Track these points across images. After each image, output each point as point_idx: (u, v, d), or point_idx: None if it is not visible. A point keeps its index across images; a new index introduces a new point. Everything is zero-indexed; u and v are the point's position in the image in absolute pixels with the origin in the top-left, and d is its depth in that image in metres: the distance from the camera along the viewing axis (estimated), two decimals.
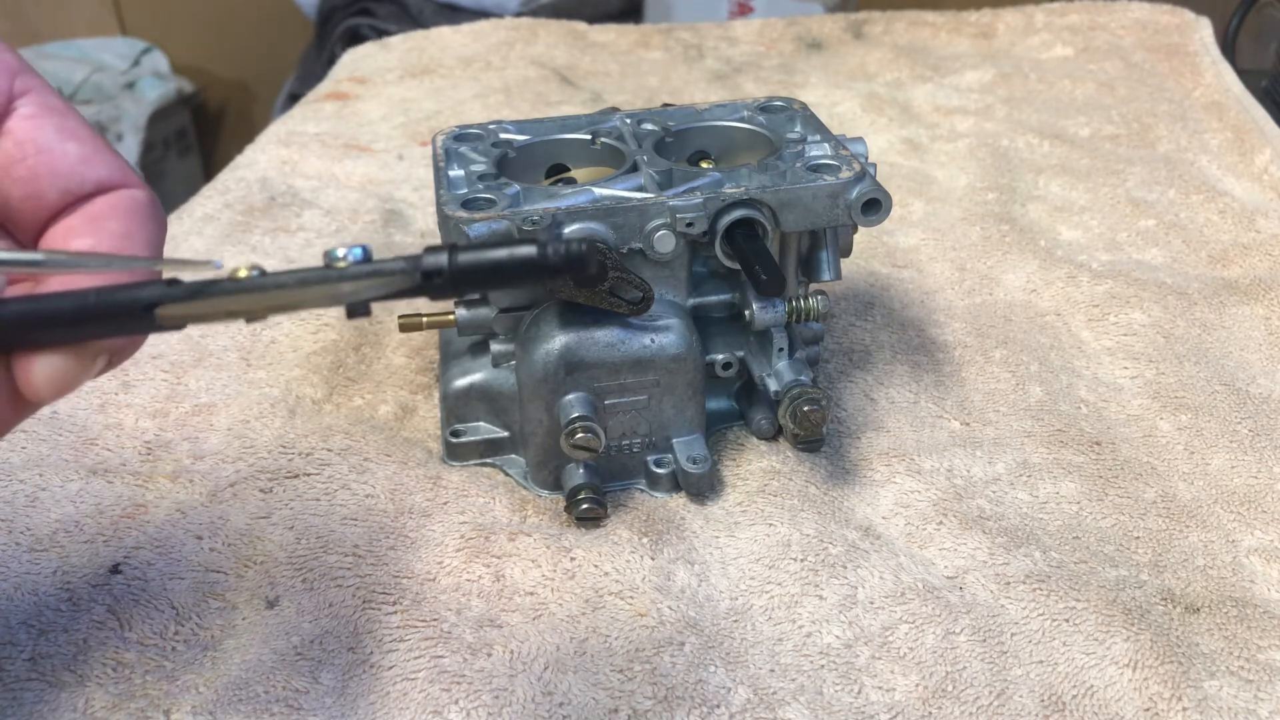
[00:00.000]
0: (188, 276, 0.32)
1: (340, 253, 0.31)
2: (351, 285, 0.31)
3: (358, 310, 0.32)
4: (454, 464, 0.59)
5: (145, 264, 0.33)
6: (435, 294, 0.31)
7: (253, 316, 0.31)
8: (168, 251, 0.37)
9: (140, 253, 0.34)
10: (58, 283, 0.33)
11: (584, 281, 0.52)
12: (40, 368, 0.32)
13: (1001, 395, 0.65)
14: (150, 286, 0.31)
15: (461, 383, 0.58)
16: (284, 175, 0.94)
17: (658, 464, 0.57)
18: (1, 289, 0.31)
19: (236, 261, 0.80)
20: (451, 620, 0.49)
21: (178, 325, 0.31)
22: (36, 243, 0.35)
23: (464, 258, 0.30)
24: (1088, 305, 0.73)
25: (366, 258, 0.31)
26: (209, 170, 2.60)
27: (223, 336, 0.70)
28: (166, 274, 0.33)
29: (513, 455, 0.59)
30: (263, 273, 0.31)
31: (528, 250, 0.30)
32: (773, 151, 0.59)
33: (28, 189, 0.35)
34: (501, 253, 0.30)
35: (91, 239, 0.34)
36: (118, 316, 0.31)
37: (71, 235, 0.34)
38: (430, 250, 0.30)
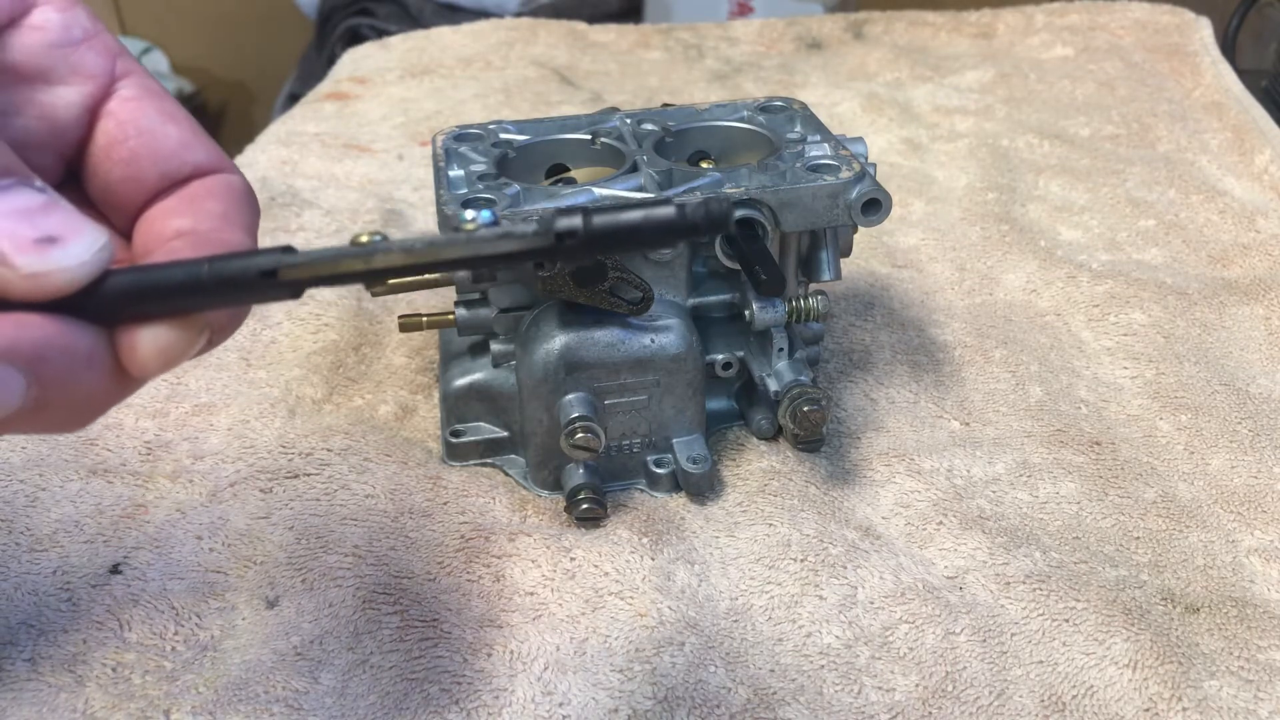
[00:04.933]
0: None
1: (469, 214, 0.30)
2: (484, 247, 0.29)
3: (484, 275, 0.30)
4: (454, 464, 0.59)
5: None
6: (568, 257, 0.30)
7: (373, 280, 0.30)
8: None
9: (238, 234, 0.34)
10: (162, 252, 0.33)
11: (584, 282, 0.52)
12: (146, 341, 0.30)
13: (1001, 395, 0.65)
14: (267, 253, 0.30)
15: (461, 383, 0.58)
16: (284, 175, 0.94)
17: (658, 464, 0.57)
18: (110, 260, 0.30)
19: None
20: (451, 620, 0.49)
21: (296, 291, 0.30)
22: (132, 224, 0.35)
23: (599, 220, 0.29)
24: (1088, 305, 0.73)
25: (495, 221, 0.30)
26: None
27: None
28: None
29: (513, 455, 0.59)
30: (385, 238, 0.30)
31: (665, 211, 0.29)
32: (773, 151, 0.59)
33: (128, 170, 0.35)
34: (638, 214, 0.29)
35: (191, 219, 0.34)
36: (233, 285, 0.30)
37: (171, 216, 0.34)
38: (563, 212, 0.29)
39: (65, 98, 0.35)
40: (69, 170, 0.36)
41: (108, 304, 0.30)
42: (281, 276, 0.30)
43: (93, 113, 0.35)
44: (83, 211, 0.31)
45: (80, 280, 0.29)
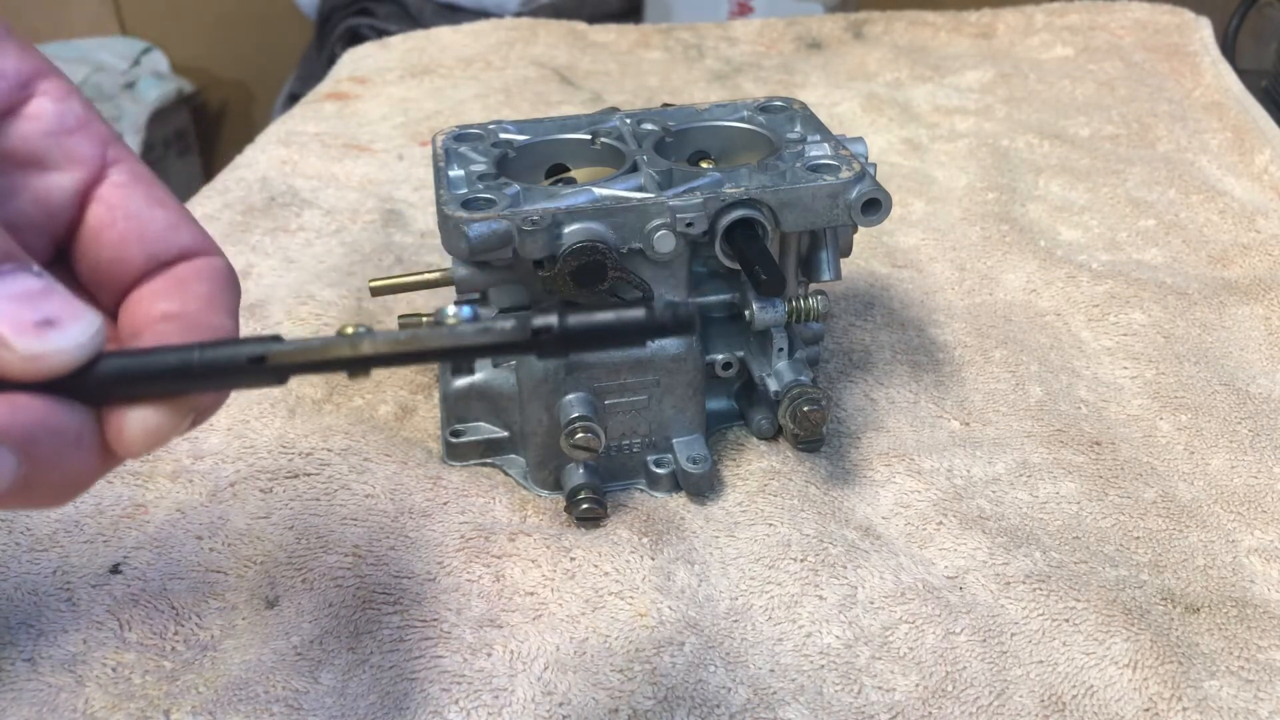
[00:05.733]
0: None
1: (451, 310, 0.32)
2: (464, 339, 0.31)
3: (462, 368, 0.31)
4: (454, 464, 0.59)
5: None
6: (542, 352, 0.32)
7: (356, 369, 0.31)
8: None
9: (222, 317, 0.36)
10: (150, 334, 0.34)
11: (584, 282, 0.52)
12: (134, 422, 0.32)
13: (1001, 395, 0.65)
14: (256, 342, 0.32)
15: (461, 383, 0.58)
16: (284, 175, 0.94)
17: (658, 464, 0.57)
18: (104, 343, 0.31)
19: (235, 263, 0.80)
20: (451, 620, 0.49)
21: (282, 378, 0.32)
22: (119, 304, 0.36)
23: (573, 320, 0.31)
24: (1088, 305, 0.73)
25: (475, 316, 0.32)
26: (209, 170, 2.60)
27: None
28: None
29: (513, 455, 0.59)
30: (369, 330, 0.31)
31: (635, 314, 0.31)
32: (773, 151, 0.59)
33: (116, 252, 0.36)
34: (609, 316, 0.31)
35: (178, 302, 0.35)
36: (222, 371, 0.32)
37: (158, 298, 0.35)
38: (540, 311, 0.32)
39: (58, 183, 0.36)
40: (59, 251, 0.37)
41: (99, 385, 0.31)
42: (270, 363, 0.31)
43: (84, 197, 0.36)
44: (72, 292, 0.32)
45: (76, 362, 0.30)
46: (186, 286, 0.36)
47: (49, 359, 0.30)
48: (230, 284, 0.37)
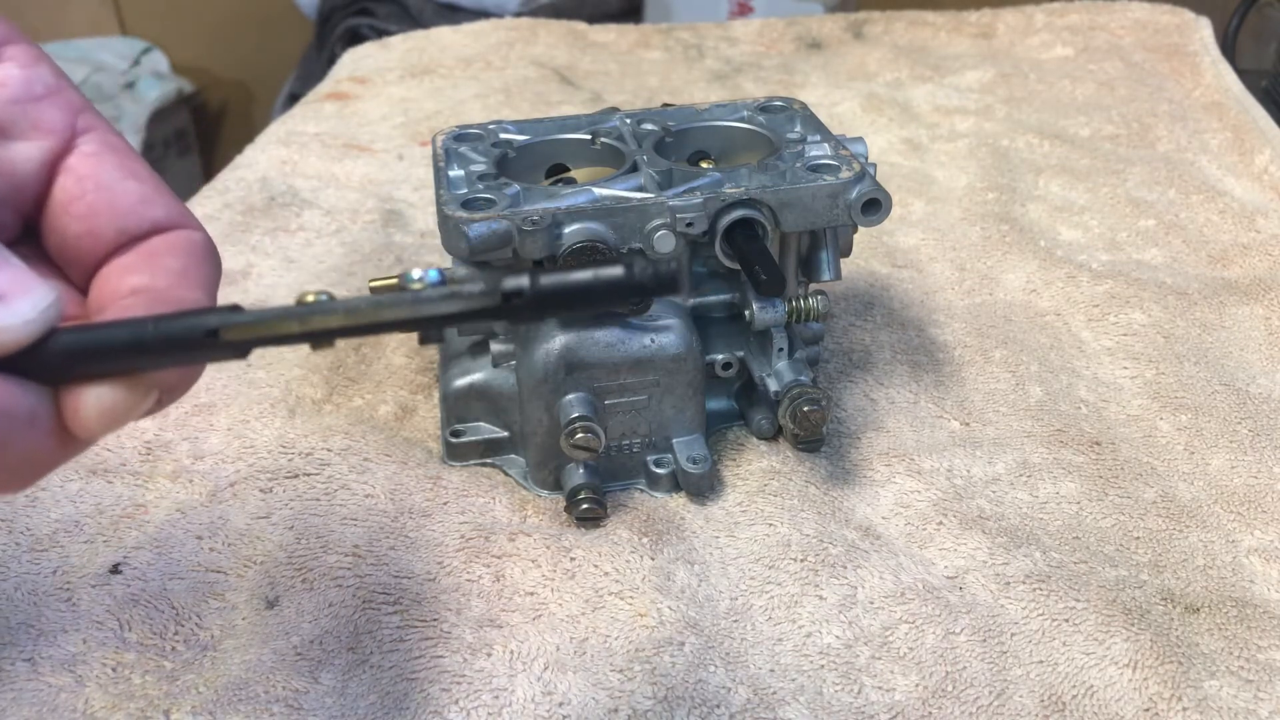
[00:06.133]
0: None
1: (416, 274, 0.30)
2: (428, 308, 0.29)
3: (431, 336, 0.29)
4: (454, 464, 0.59)
5: None
6: (515, 317, 0.30)
7: (319, 341, 0.30)
8: None
9: (195, 292, 0.34)
10: (114, 309, 0.32)
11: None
12: (90, 401, 0.30)
13: (1001, 395, 0.65)
14: (213, 312, 0.30)
15: (461, 383, 0.58)
16: (284, 175, 0.94)
17: (658, 464, 0.57)
18: (58, 318, 0.30)
19: (235, 263, 0.80)
20: (451, 620, 0.49)
21: (241, 351, 0.30)
22: (89, 281, 0.35)
23: (546, 280, 0.29)
24: (1088, 305, 0.73)
25: (442, 280, 0.30)
26: (209, 170, 2.60)
27: None
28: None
29: (513, 455, 0.59)
30: (331, 298, 0.30)
31: (613, 271, 0.29)
32: (773, 151, 0.59)
33: (85, 226, 0.34)
34: (586, 274, 0.29)
35: (148, 276, 0.33)
36: (178, 345, 0.30)
37: (128, 272, 0.34)
38: (512, 274, 0.30)
39: (24, 153, 0.34)
40: (26, 226, 0.35)
41: (53, 363, 0.29)
42: (224, 337, 0.29)
43: (52, 168, 0.34)
44: (39, 268, 0.31)
45: (24, 339, 0.29)
46: (157, 260, 0.34)
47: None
48: (206, 257, 0.35)
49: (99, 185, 0.34)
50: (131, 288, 0.33)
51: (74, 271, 0.35)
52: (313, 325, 0.29)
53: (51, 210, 0.35)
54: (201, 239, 0.35)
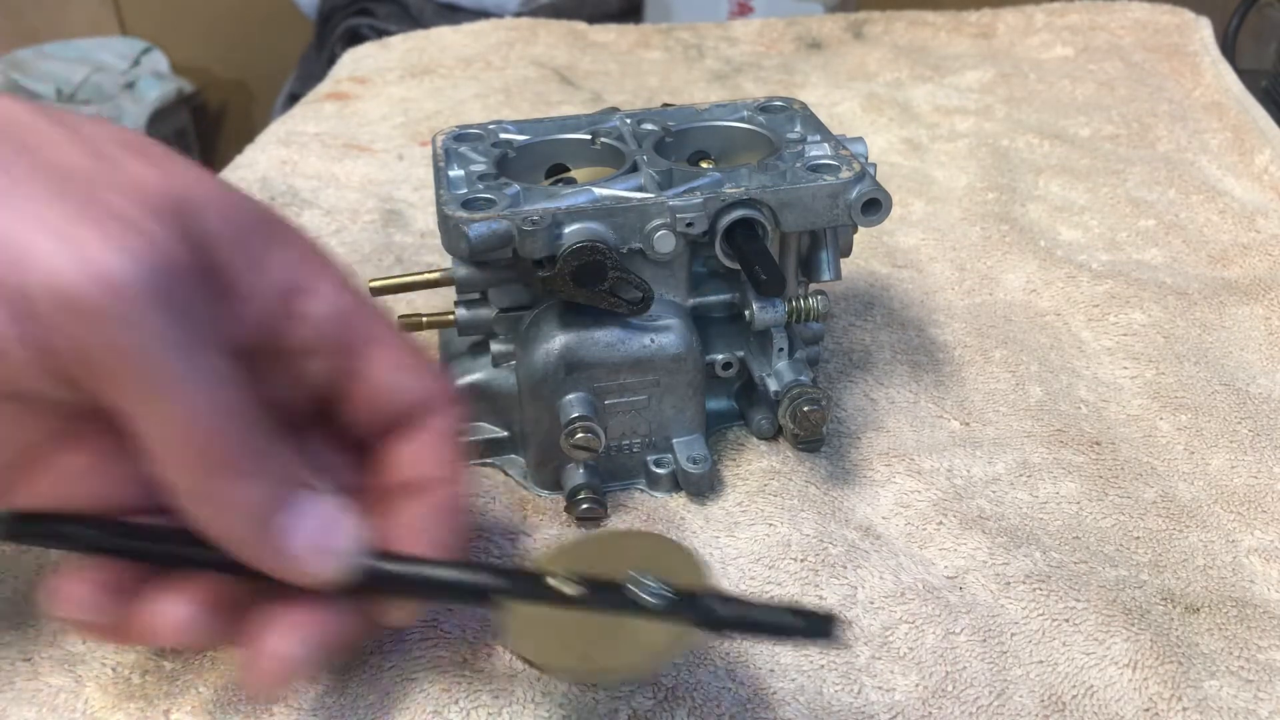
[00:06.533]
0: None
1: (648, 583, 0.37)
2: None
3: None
4: None
5: None
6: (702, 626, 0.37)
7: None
8: None
9: (458, 471, 0.44)
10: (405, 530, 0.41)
11: (584, 282, 0.52)
12: (394, 614, 0.42)
13: (1001, 395, 0.65)
14: (495, 576, 0.40)
15: (461, 383, 0.58)
16: (284, 175, 0.94)
17: (658, 464, 0.57)
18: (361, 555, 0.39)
19: None
20: (452, 621, 0.49)
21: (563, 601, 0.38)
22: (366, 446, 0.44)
23: (738, 611, 0.37)
24: (1088, 305, 0.73)
25: (661, 588, 0.38)
26: (209, 170, 2.58)
27: None
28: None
29: (513, 455, 0.59)
30: (592, 589, 0.38)
31: (787, 618, 0.36)
32: (773, 151, 0.59)
33: (367, 415, 0.43)
34: (764, 613, 0.37)
35: (434, 467, 0.43)
36: (462, 593, 0.41)
37: (409, 466, 0.43)
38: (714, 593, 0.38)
39: (322, 368, 0.41)
40: (319, 410, 0.43)
41: (356, 587, 0.39)
42: (493, 600, 0.40)
43: (344, 373, 0.42)
44: (325, 447, 0.43)
45: (336, 581, 0.39)
46: (436, 450, 0.43)
47: (331, 575, 0.38)
48: (456, 445, 0.43)
49: (382, 382, 0.42)
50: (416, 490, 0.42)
51: (353, 439, 0.44)
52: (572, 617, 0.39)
53: (337, 404, 0.43)
54: (456, 416, 0.44)
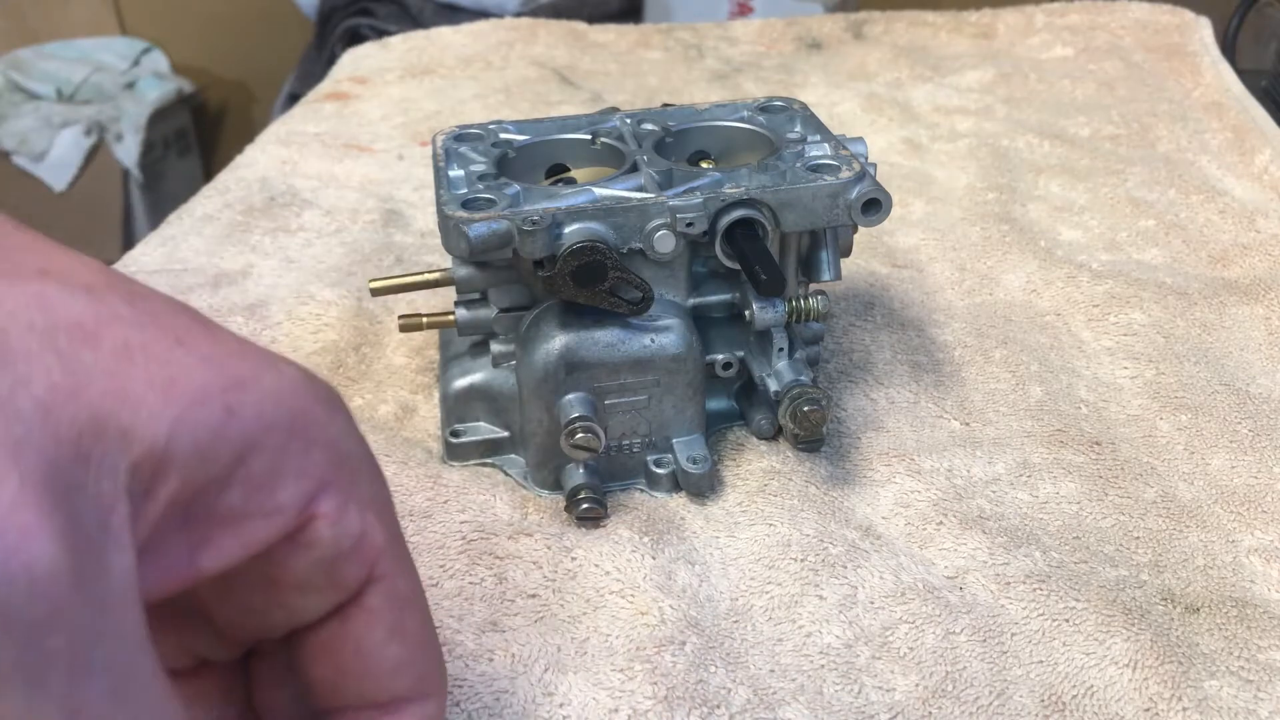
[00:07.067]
0: None
1: None
2: None
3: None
4: (454, 464, 0.59)
5: None
6: None
7: None
8: None
9: None
10: None
11: (584, 282, 0.52)
12: None
13: (1001, 395, 0.65)
14: None
15: (461, 383, 0.58)
16: (284, 175, 0.94)
17: (658, 464, 0.57)
18: None
19: (235, 263, 0.80)
20: (454, 627, 0.49)
21: None
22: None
23: None
24: (1088, 305, 0.73)
25: None
26: (209, 170, 2.59)
27: None
28: None
29: (513, 455, 0.59)
30: None
31: None
32: (773, 151, 0.59)
33: (329, 681, 0.32)
34: None
35: None
36: None
37: None
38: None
39: (315, 605, 0.32)
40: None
41: None
42: None
43: (330, 615, 0.32)
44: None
45: None
46: None
47: None
48: None
49: (359, 650, 0.32)
50: None
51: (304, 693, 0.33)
52: None
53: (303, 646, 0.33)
54: (435, 710, 0.34)
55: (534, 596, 0.50)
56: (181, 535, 0.27)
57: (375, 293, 0.58)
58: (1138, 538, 0.55)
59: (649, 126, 0.62)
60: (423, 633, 0.34)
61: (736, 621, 0.50)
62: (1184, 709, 0.45)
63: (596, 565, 0.52)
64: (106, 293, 0.26)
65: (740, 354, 0.58)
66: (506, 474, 0.59)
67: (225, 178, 0.93)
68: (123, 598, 0.25)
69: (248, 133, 1.20)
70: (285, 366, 0.29)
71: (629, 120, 0.62)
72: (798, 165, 0.56)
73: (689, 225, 0.53)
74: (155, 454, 0.25)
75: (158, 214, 2.09)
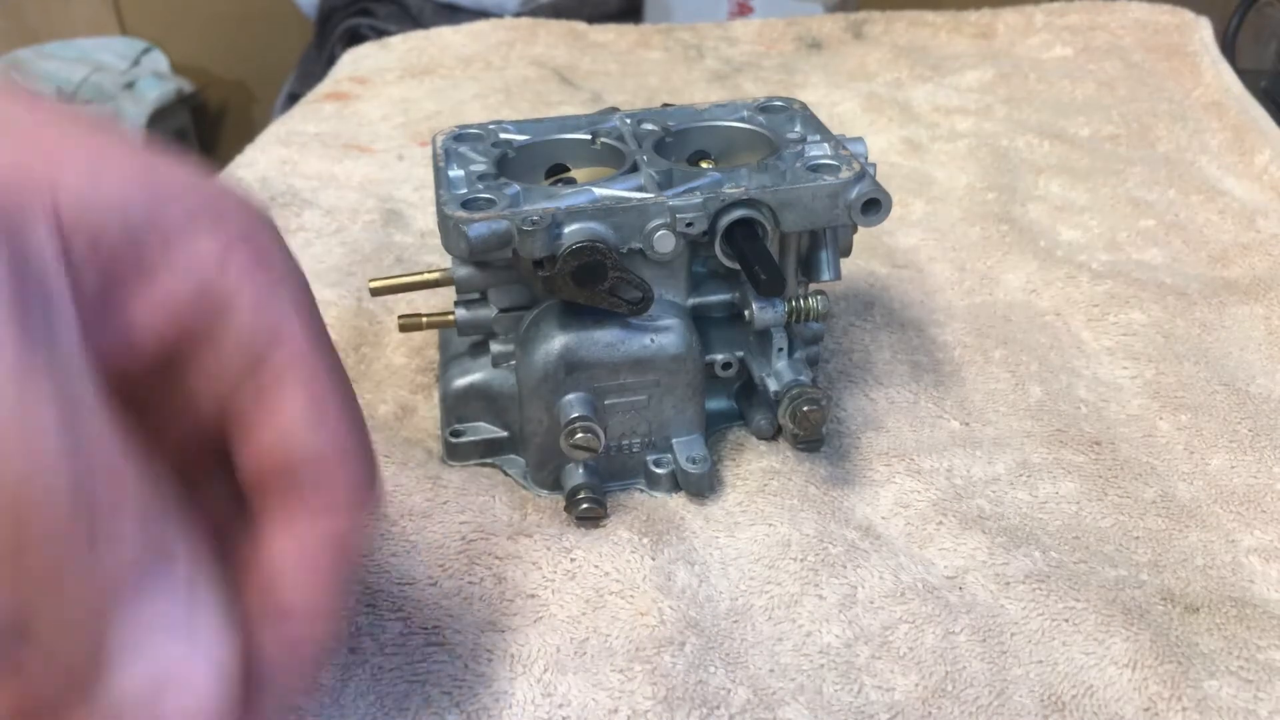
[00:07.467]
0: None
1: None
2: None
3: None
4: (454, 464, 0.59)
5: None
6: None
7: None
8: None
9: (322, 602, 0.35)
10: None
11: (584, 282, 0.52)
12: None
13: (1001, 395, 0.65)
14: None
15: (461, 383, 0.58)
16: (284, 175, 0.94)
17: (657, 464, 0.57)
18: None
19: None
20: (453, 626, 0.49)
21: None
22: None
23: None
24: (1088, 305, 0.73)
25: None
26: (209, 170, 2.58)
27: None
28: None
29: (513, 455, 0.59)
30: None
31: None
32: (773, 151, 0.59)
33: (255, 473, 0.33)
34: None
35: (294, 587, 0.34)
36: None
37: (276, 572, 0.33)
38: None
39: (240, 393, 0.32)
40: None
41: None
42: None
43: (249, 403, 0.32)
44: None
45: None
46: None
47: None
48: (347, 531, 0.34)
49: (281, 430, 0.32)
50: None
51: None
52: None
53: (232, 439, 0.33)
54: (360, 500, 0.34)
55: (533, 597, 0.50)
56: (109, 293, 0.29)
57: (375, 292, 0.58)
58: (1137, 537, 0.55)
59: (649, 126, 0.62)
60: (345, 416, 0.33)
61: (736, 621, 0.50)
62: (1184, 709, 0.45)
63: (596, 565, 0.52)
64: (20, 91, 0.29)
65: (740, 354, 0.58)
66: (506, 474, 0.59)
67: (225, 177, 0.93)
68: (69, 352, 0.26)
69: (248, 133, 1.20)
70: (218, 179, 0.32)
71: (629, 120, 0.62)
72: (798, 165, 0.56)
73: (689, 225, 0.53)
74: (82, 201, 0.27)
75: None
